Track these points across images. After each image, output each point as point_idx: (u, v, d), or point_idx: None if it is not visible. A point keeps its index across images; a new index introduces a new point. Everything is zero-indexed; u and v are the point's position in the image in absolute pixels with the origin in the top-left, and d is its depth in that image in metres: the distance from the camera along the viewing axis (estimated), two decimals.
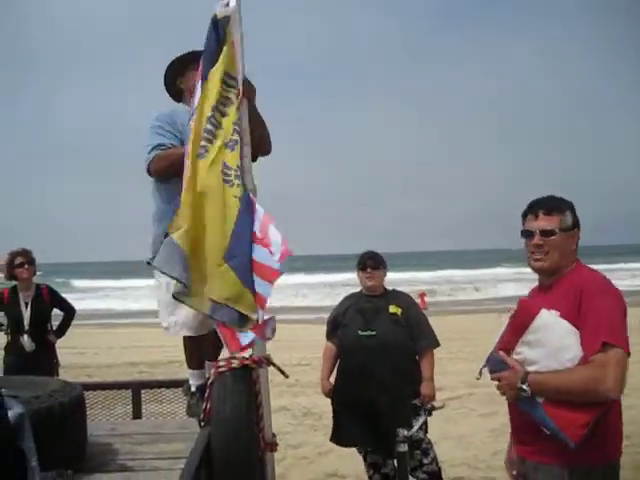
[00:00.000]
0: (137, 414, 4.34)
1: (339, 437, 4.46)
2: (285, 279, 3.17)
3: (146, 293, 28.77)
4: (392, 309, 4.32)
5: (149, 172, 3.27)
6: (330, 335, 4.64)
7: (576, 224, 2.53)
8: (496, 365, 2.41)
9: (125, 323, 20.21)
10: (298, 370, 9.91)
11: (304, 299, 28.13)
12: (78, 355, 12.20)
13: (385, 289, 4.52)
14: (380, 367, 4.15)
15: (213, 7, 3.03)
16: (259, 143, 3.31)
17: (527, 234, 2.56)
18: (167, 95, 3.59)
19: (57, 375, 5.86)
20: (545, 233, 2.49)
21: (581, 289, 2.34)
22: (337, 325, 4.55)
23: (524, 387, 2.27)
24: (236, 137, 2.97)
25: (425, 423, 4.14)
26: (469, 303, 25.86)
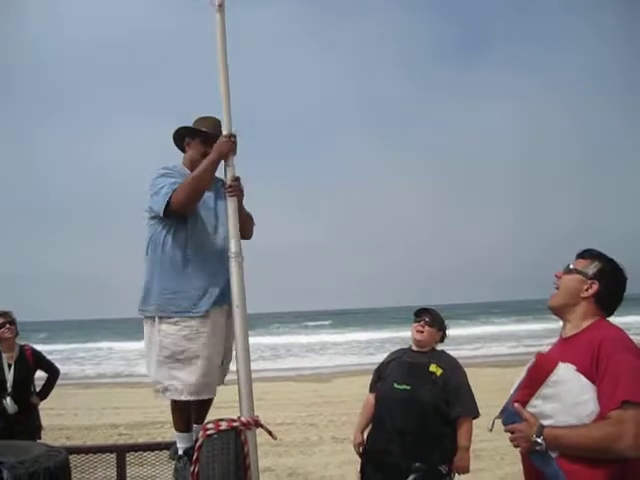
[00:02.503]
0: (121, 478, 4.28)
1: None
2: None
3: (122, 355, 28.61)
4: (432, 368, 4.18)
5: (167, 205, 3.28)
6: (372, 387, 4.52)
7: (597, 277, 2.54)
8: (510, 417, 2.40)
9: (104, 383, 19.85)
10: (282, 429, 9.77)
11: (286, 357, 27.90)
12: (57, 416, 11.92)
13: (433, 348, 4.38)
14: (410, 424, 4.04)
15: None
16: (245, 230, 3.47)
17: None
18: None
19: (40, 438, 5.76)
20: (566, 269, 2.61)
21: (599, 343, 2.34)
22: (379, 377, 4.46)
23: (539, 440, 2.26)
24: None
25: None
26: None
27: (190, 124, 3.57)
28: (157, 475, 4.39)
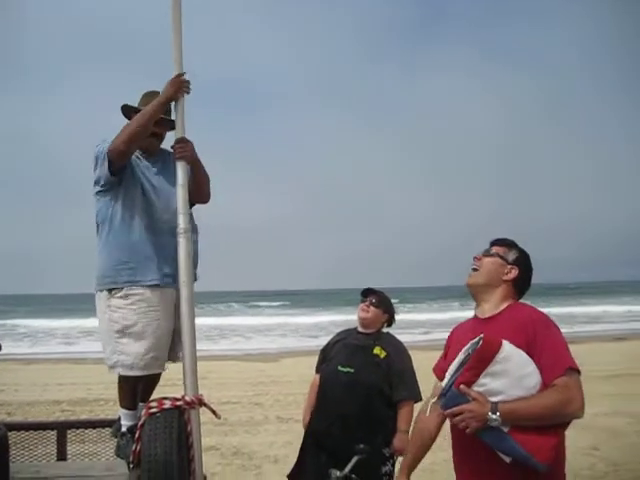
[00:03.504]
0: (62, 455, 4.21)
1: (295, 474, 4.30)
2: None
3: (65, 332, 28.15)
4: (376, 350, 4.18)
5: (110, 161, 3.20)
6: (317, 368, 4.50)
7: (517, 262, 2.78)
8: (453, 399, 2.42)
9: (47, 359, 19.50)
10: (227, 408, 9.77)
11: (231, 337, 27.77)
12: None
13: (379, 330, 4.36)
14: (352, 407, 4.03)
15: None
16: (200, 194, 3.43)
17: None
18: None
19: None
20: (485, 251, 2.81)
21: (533, 320, 2.54)
22: (324, 358, 4.45)
23: (495, 417, 2.31)
24: None
25: (390, 475, 4.07)
26: None
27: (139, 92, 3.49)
28: (99, 452, 4.34)
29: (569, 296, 56.48)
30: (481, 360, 2.38)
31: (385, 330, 4.41)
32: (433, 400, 2.72)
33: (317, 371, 4.49)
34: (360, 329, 4.36)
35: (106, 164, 3.21)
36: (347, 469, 3.64)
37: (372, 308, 4.29)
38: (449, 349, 2.83)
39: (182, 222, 3.16)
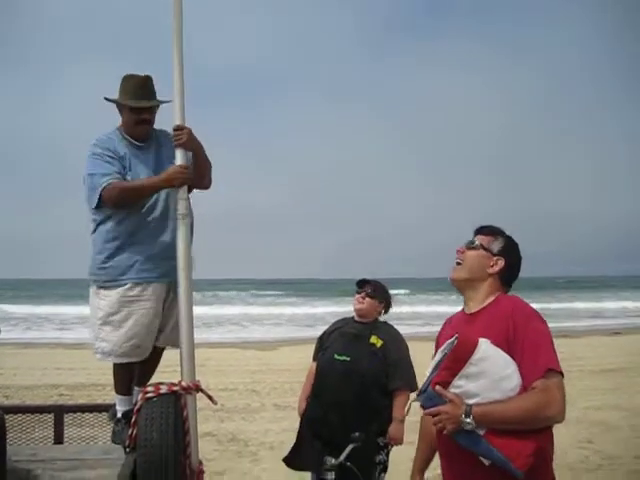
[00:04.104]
0: (59, 439, 4.24)
1: (290, 459, 4.31)
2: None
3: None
4: (373, 339, 4.20)
5: (100, 201, 3.24)
6: (314, 356, 4.53)
7: (502, 253, 2.62)
8: (430, 400, 2.35)
9: (46, 343, 19.55)
10: (225, 395, 9.81)
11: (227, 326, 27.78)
12: None
13: (376, 319, 4.39)
14: (348, 395, 4.06)
15: None
16: (200, 180, 3.42)
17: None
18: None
19: None
20: (469, 243, 2.64)
21: (512, 315, 2.40)
22: (321, 347, 4.47)
23: (468, 420, 2.23)
24: None
25: (384, 464, 4.11)
26: None
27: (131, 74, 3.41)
28: (96, 436, 4.37)
29: (564, 290, 56.55)
30: (456, 361, 2.30)
31: (382, 319, 4.43)
32: (411, 400, 2.68)
33: (314, 359, 4.52)
34: (357, 318, 4.38)
35: (95, 200, 3.24)
36: (342, 457, 3.67)
37: (367, 299, 4.30)
38: (438, 345, 2.72)
39: (182, 208, 3.16)
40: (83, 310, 26.38)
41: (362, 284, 4.38)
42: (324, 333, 4.55)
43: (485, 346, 2.30)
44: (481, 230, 2.68)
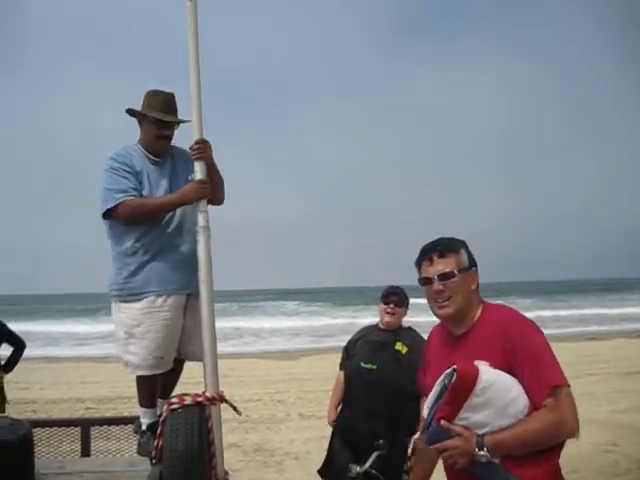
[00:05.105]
0: (85, 451, 4.28)
1: (323, 471, 4.38)
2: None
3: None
4: (398, 346, 4.22)
5: (112, 215, 3.28)
6: (341, 365, 4.58)
7: (473, 262, 2.45)
8: (436, 435, 2.25)
9: (70, 357, 19.72)
10: (249, 406, 9.83)
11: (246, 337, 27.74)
12: (22, 390, 11.86)
13: (400, 326, 4.40)
14: (376, 403, 4.10)
15: None
16: (215, 196, 3.44)
17: (425, 282, 2.45)
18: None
19: (4, 412, 5.71)
20: (444, 277, 2.39)
21: (505, 330, 2.29)
22: (347, 355, 4.51)
23: (482, 453, 2.14)
24: None
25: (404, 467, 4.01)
26: None
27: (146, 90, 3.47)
28: (122, 449, 4.40)
29: (586, 293, 56.02)
30: (458, 395, 2.17)
31: (406, 325, 4.44)
32: (415, 436, 2.60)
33: (341, 368, 4.55)
34: (382, 326, 4.39)
35: (109, 214, 3.29)
36: (367, 464, 3.67)
37: (396, 309, 4.32)
38: (427, 366, 2.62)
39: (202, 220, 3.19)
40: (97, 327, 26.60)
41: (388, 295, 4.38)
42: (349, 342, 4.57)
43: (486, 374, 2.18)
44: (439, 253, 2.43)
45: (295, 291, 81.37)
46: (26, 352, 6.38)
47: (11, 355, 6.21)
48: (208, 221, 3.23)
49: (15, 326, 6.61)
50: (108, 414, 9.27)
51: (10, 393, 6.27)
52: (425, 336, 3.03)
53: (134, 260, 3.31)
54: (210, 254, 3.19)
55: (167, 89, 3.49)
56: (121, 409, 9.87)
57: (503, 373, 2.22)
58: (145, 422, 3.42)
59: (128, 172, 3.31)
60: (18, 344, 6.27)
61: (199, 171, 3.24)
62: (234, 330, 27.83)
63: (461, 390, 2.17)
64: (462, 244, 2.48)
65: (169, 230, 3.37)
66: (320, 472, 4.37)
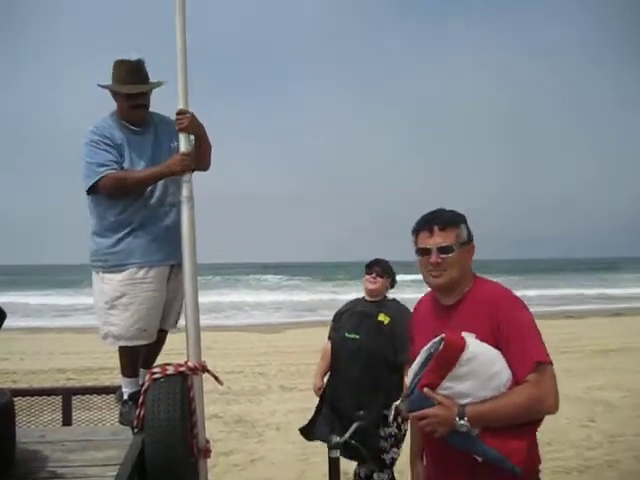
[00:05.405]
0: (67, 421, 4.27)
1: (306, 430, 4.55)
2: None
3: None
4: (380, 317, 4.37)
5: (95, 189, 3.24)
6: (329, 336, 4.74)
7: (471, 238, 2.47)
8: (418, 402, 2.26)
9: (51, 328, 19.64)
10: (231, 378, 9.88)
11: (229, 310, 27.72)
12: (2, 361, 11.86)
13: (385, 297, 4.55)
14: (358, 371, 4.27)
15: None
16: (201, 162, 3.42)
17: (423, 252, 2.44)
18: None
19: None
20: (443, 250, 2.39)
21: (494, 306, 2.32)
22: (335, 326, 4.69)
23: (462, 422, 2.17)
24: None
25: (395, 437, 4.21)
26: None
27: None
28: (104, 419, 4.40)
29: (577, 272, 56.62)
30: (444, 364, 2.20)
31: (390, 296, 4.59)
32: (397, 403, 2.61)
33: (329, 338, 4.74)
34: (367, 298, 4.57)
35: (91, 188, 3.25)
36: (346, 435, 3.71)
37: (378, 278, 4.50)
38: (415, 335, 2.62)
39: (186, 191, 3.18)
40: (80, 298, 26.41)
41: (371, 265, 4.57)
42: (337, 313, 4.77)
43: (472, 346, 2.20)
44: (440, 226, 2.42)
45: (277, 265, 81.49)
46: (6, 323, 6.33)
47: None
48: (192, 192, 3.22)
49: None
50: (90, 384, 9.27)
51: None
52: (410, 308, 3.08)
53: (117, 232, 3.29)
54: (194, 225, 3.18)
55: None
56: (103, 380, 9.87)
57: (489, 346, 2.25)
58: (127, 392, 3.43)
59: (108, 145, 3.26)
60: None
61: (182, 142, 3.22)
62: (216, 304, 27.79)
63: (447, 359, 2.19)
64: (462, 218, 2.49)
65: (152, 202, 3.34)
66: (302, 430, 4.55)
